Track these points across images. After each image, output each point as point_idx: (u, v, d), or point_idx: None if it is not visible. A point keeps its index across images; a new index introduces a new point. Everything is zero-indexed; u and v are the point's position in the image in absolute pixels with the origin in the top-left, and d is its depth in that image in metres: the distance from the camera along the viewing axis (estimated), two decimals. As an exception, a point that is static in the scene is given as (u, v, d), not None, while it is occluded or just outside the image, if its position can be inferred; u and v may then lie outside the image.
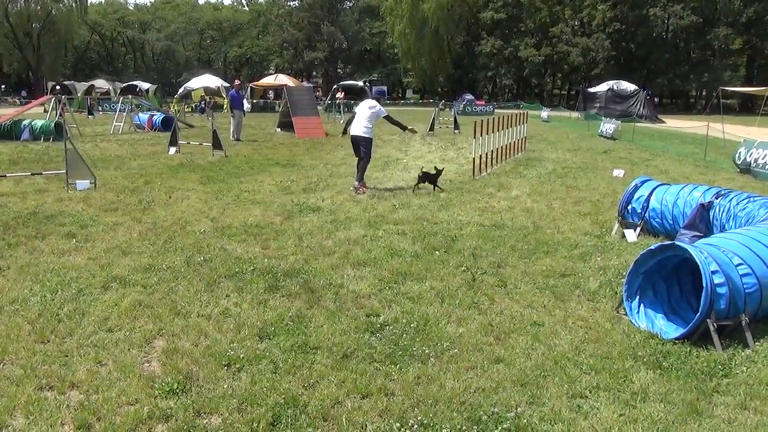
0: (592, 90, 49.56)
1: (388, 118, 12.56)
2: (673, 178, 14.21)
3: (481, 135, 14.66)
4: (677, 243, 5.76)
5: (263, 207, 10.37)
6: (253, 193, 11.76)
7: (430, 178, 12.37)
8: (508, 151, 17.51)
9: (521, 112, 22.51)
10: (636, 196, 8.74)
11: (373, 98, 13.08)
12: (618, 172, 14.94)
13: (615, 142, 24.92)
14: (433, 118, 28.38)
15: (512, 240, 8.35)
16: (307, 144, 21.52)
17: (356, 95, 52.53)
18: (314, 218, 9.56)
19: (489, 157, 15.29)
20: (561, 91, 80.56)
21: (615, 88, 46.60)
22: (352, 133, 12.51)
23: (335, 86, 52.55)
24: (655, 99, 64.94)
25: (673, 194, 8.38)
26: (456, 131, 28.44)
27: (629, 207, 8.77)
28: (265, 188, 12.29)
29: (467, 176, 14.22)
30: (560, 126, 36.75)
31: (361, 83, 57.56)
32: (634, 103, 45.32)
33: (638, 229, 8.58)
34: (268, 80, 53.47)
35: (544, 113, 43.17)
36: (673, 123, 38.46)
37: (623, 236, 8.56)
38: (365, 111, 12.35)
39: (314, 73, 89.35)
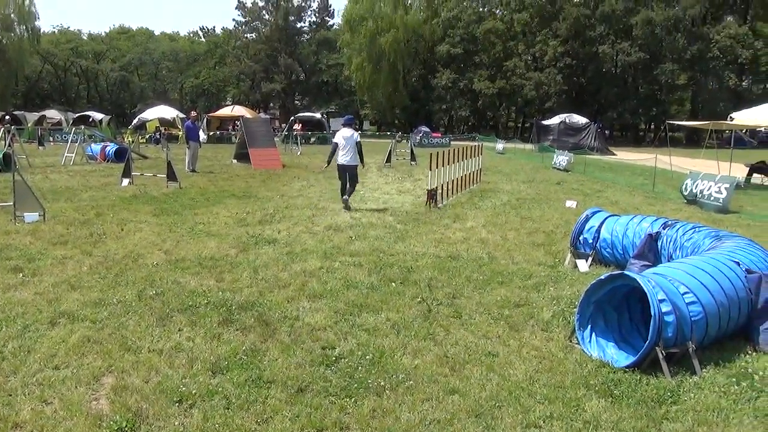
0: (545, 122, 50.70)
1: (359, 145, 14.06)
2: (623, 208, 14.56)
3: (437, 167, 14.82)
4: (626, 272, 5.89)
5: (218, 239, 10.28)
6: (208, 225, 11.64)
7: None
8: (464, 182, 17.73)
9: (477, 144, 22.86)
10: (587, 226, 8.92)
11: (344, 126, 14.37)
12: (570, 203, 15.24)
13: (568, 174, 25.47)
14: (390, 150, 28.61)
15: (467, 271, 8.43)
16: (263, 175, 21.45)
17: (314, 127, 52.70)
18: (270, 250, 9.51)
19: (445, 188, 15.46)
20: (516, 124, 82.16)
21: (567, 121, 47.80)
22: (342, 163, 14.02)
23: (292, 118, 52.67)
24: (606, 132, 66.71)
25: (623, 225, 8.59)
26: (413, 163, 28.69)
27: (581, 237, 8.94)
28: (220, 220, 12.18)
29: (425, 208, 14.36)
30: (515, 158, 37.42)
31: (318, 115, 57.83)
32: (585, 135, 46.50)
33: (590, 259, 8.74)
34: (225, 111, 53.33)
35: (500, 145, 43.94)
36: (623, 155, 39.51)
37: (575, 266, 8.71)
38: (350, 140, 13.89)
39: (271, 104, 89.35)
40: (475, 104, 70.94)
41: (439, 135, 59.35)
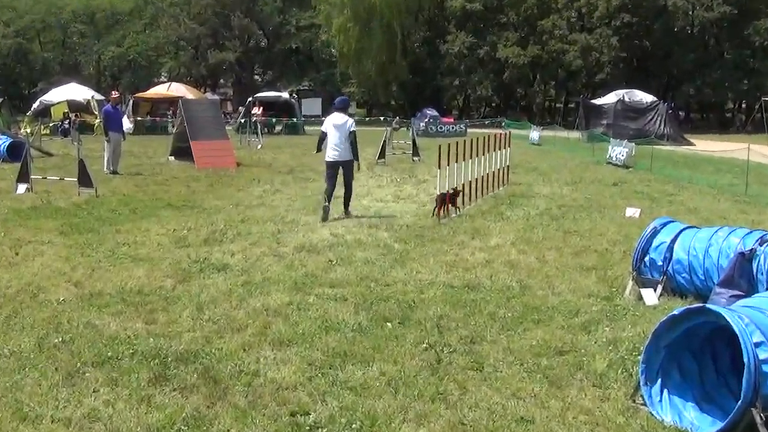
0: (596, 102, 51.00)
1: (353, 136, 14.57)
2: (704, 218, 14.59)
3: (449, 164, 14.85)
4: (709, 306, 5.88)
5: (149, 265, 10.26)
6: (135, 246, 11.63)
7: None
8: (485, 184, 17.80)
9: (503, 132, 22.91)
10: (655, 243, 8.95)
11: (337, 110, 14.89)
12: (632, 212, 15.30)
13: (628, 172, 25.58)
14: (384, 142, 28.66)
15: (491, 306, 8.43)
16: (210, 178, 21.47)
17: (280, 111, 52.77)
18: (220, 280, 9.50)
19: (461, 193, 15.47)
20: (555, 104, 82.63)
21: (627, 99, 48.12)
22: (331, 159, 14.54)
23: (251, 99, 52.79)
24: (680, 113, 67.24)
25: (704, 240, 8.60)
26: (415, 158, 28.77)
27: (647, 258, 8.96)
28: (151, 239, 12.17)
29: (431, 220, 14.37)
30: (555, 150, 37.53)
31: (286, 95, 57.97)
32: (652, 119, 46.80)
33: (659, 287, 8.76)
34: (159, 91, 53.42)
35: (534, 133, 44.19)
36: (705, 145, 39.72)
37: (639, 298, 8.72)
38: (342, 128, 14.41)
39: (222, 80, 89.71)
40: (500, 78, 71.35)
41: (452, 120, 59.70)
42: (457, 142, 15.37)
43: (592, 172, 25.20)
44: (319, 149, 15.23)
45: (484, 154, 17.48)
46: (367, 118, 68.03)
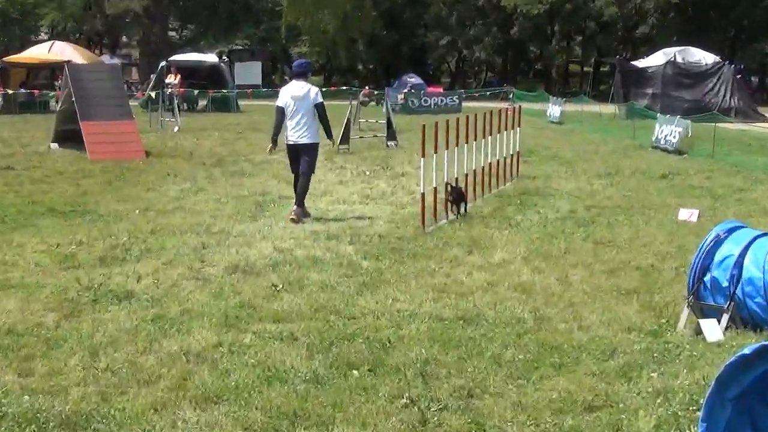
0: (638, 65, 51.12)
1: (320, 108, 15.07)
2: (785, 222, 14.69)
3: (437, 151, 14.91)
4: (792, 342, 5.91)
5: (23, 295, 10.18)
6: (4, 268, 11.56)
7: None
8: (487, 179, 17.89)
9: (510, 106, 22.95)
10: (719, 256, 8.96)
11: (295, 77, 15.51)
12: (688, 215, 15.39)
13: (682, 159, 25.77)
14: (348, 121, 28.59)
15: (495, 345, 8.43)
16: (109, 173, 21.37)
17: (205, 80, 52.53)
18: (122, 314, 9.46)
19: (455, 189, 15.50)
20: (583, 68, 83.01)
21: (680, 60, 48.27)
22: (293, 141, 15.06)
23: (164, 63, 52.52)
24: (752, 79, 67.67)
25: (786, 252, 8.64)
26: (391, 144, 28.75)
27: (708, 278, 8.97)
28: (26, 259, 12.09)
29: (413, 228, 14.41)
30: (582, 130, 37.70)
31: (213, 57, 57.75)
32: (714, 86, 46.99)
33: (725, 317, 8.77)
34: (36, 53, 52.99)
35: (554, 108, 44.30)
36: (786, 122, 39.93)
37: (698, 332, 8.74)
38: (304, 101, 14.90)
39: (124, 38, 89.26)
40: (507, 33, 71.52)
41: (441, 91, 59.76)
42: (447, 121, 15.39)
43: (632, 161, 25.35)
44: (276, 135, 15.45)
45: (485, 137, 17.51)
46: (324, 89, 67.92)
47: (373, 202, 17.33)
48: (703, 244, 9.17)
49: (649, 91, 47.37)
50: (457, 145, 15.75)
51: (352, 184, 19.90)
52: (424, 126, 14.90)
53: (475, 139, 16.81)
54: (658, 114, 33.82)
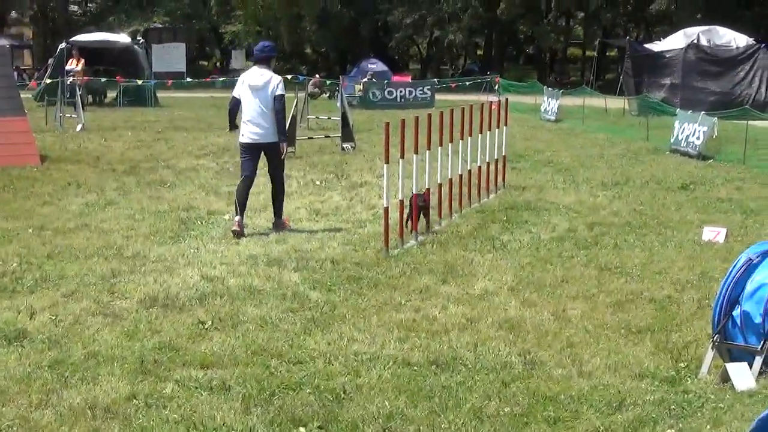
0: (653, 48, 51.26)
1: (278, 102, 15.60)
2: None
3: (403, 155, 14.89)
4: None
5: None
6: None
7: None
8: (465, 189, 17.90)
9: (495, 99, 22.97)
10: (752, 286, 8.95)
11: (256, 63, 16.09)
12: (713, 234, 15.43)
13: (707, 165, 25.89)
14: (294, 118, 28.55)
15: (475, 396, 8.44)
16: (-6, 182, 21.25)
17: (114, 65, 52.32)
18: (11, 357, 9.40)
19: (425, 203, 15.54)
20: (584, 53, 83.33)
21: (705, 42, 48.26)
22: (248, 139, 15.76)
23: (64, 45, 52.29)
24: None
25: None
26: (346, 146, 28.72)
27: (738, 312, 8.98)
28: None
29: (374, 251, 14.40)
30: (584, 129, 37.81)
31: (125, 38, 57.57)
32: (747, 75, 47.03)
33: (758, 360, 8.78)
34: None
35: (550, 102, 44.34)
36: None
37: (726, 379, 8.74)
38: (261, 91, 15.55)
39: (14, 14, 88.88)
40: (491, 10, 71.72)
41: (409, 79, 59.81)
42: (417, 118, 15.29)
43: (646, 167, 25.47)
44: (233, 125, 16.31)
45: (463, 139, 17.53)
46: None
47: (324, 219, 17.29)
48: (731, 271, 9.13)
49: (667, 80, 47.47)
50: (428, 149, 15.74)
51: (298, 196, 19.81)
52: (387, 124, 14.89)
53: (451, 141, 16.83)
54: (678, 109, 33.94)
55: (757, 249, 9.27)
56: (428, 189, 15.72)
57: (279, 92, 15.51)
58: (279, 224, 16.07)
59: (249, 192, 15.84)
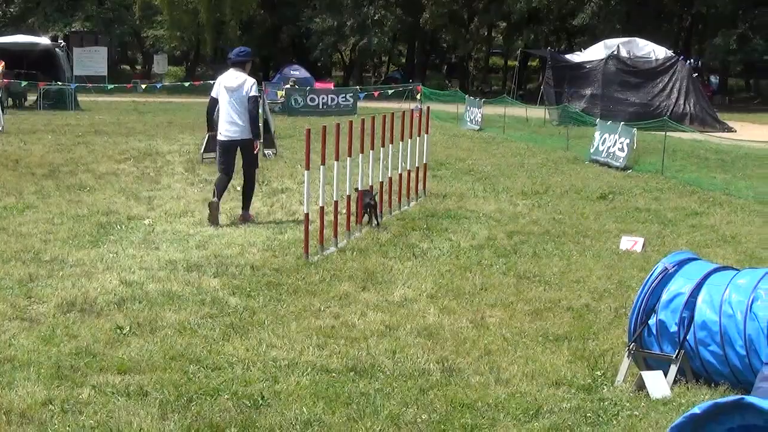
0: (574, 59, 51.67)
1: (252, 103, 16.76)
2: (748, 253, 14.97)
3: (324, 162, 14.89)
4: (752, 400, 6.01)
5: None
6: None
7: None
8: (386, 197, 17.93)
9: (417, 108, 23.02)
10: (667, 295, 9.05)
11: (233, 65, 17.08)
12: (631, 243, 15.58)
13: (626, 176, 26.12)
14: (210, 124, 28.44)
15: (393, 402, 8.45)
16: None
17: (35, 69, 51.88)
18: None
19: (344, 208, 15.62)
20: (506, 62, 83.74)
21: (624, 54, 48.83)
22: (225, 137, 17.03)
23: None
24: (712, 79, 68.86)
25: (747, 291, 8.75)
26: (268, 153, 28.60)
27: (654, 321, 9.07)
28: None
29: (294, 257, 14.39)
30: (505, 139, 37.95)
31: (45, 40, 57.11)
32: (666, 87, 47.58)
33: (673, 369, 8.88)
34: None
35: (472, 110, 44.42)
36: (750, 131, 40.49)
37: (641, 386, 8.83)
38: (237, 93, 16.67)
39: None
40: (413, 17, 71.79)
41: (332, 86, 59.89)
42: (338, 125, 15.32)
43: (566, 176, 25.65)
44: (210, 127, 17.49)
45: (384, 146, 17.56)
46: (187, 83, 67.66)
47: (244, 225, 17.22)
48: (648, 280, 9.22)
49: (588, 91, 47.87)
50: (350, 155, 15.77)
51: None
52: (308, 131, 14.87)
53: (372, 149, 16.85)
54: (598, 120, 34.22)
55: (673, 258, 9.40)
56: (371, 186, 16.59)
57: (252, 93, 16.68)
58: (246, 216, 17.27)
59: (227, 184, 17.14)
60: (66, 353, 9.63)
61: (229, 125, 16.71)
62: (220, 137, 17.04)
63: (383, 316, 11.24)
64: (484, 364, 9.59)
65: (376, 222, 16.54)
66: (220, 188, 16.96)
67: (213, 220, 16.64)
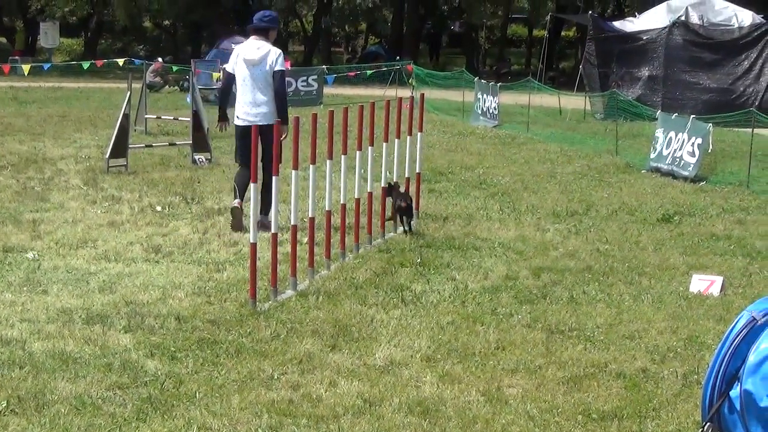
0: (624, 26, 51.55)
1: (278, 78, 17.89)
2: None
3: (277, 172, 14.80)
4: None
5: None
6: None
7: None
8: (364, 219, 17.88)
9: (408, 96, 23.01)
10: (756, 356, 9.03)
11: (254, 33, 17.64)
12: (704, 283, 15.57)
13: (698, 189, 26.15)
14: (125, 119, 28.41)
15: None
16: None
17: None
18: None
19: (305, 239, 15.63)
20: (531, 32, 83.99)
21: (695, 20, 48.37)
22: (244, 122, 17.94)
23: None
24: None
25: None
26: (199, 157, 28.70)
27: (737, 391, 9.07)
28: None
29: (236, 305, 14.31)
30: (528, 138, 38.03)
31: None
32: (754, 65, 47.36)
33: (766, 458, 8.90)
34: None
35: (485, 99, 44.48)
36: None
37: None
38: (259, 66, 17.36)
39: None
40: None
41: (288, 65, 59.89)
42: (297, 119, 15.17)
43: (614, 191, 25.73)
44: (223, 109, 18.21)
45: (362, 149, 17.53)
46: (87, 63, 67.79)
47: (167, 258, 17.14)
48: (728, 335, 9.15)
49: (644, 72, 47.73)
50: (313, 163, 15.68)
51: (131, 226, 19.68)
52: (255, 128, 14.90)
53: (345, 153, 16.85)
54: (659, 112, 34.14)
55: (764, 306, 9.28)
56: (396, 182, 17.73)
57: (279, 67, 17.39)
58: (264, 223, 17.51)
59: (249, 180, 16.20)
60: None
61: (250, 107, 17.36)
62: (237, 121, 17.68)
63: (361, 387, 11.11)
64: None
65: (408, 228, 17.26)
66: (242, 186, 17.64)
67: (236, 226, 17.60)
